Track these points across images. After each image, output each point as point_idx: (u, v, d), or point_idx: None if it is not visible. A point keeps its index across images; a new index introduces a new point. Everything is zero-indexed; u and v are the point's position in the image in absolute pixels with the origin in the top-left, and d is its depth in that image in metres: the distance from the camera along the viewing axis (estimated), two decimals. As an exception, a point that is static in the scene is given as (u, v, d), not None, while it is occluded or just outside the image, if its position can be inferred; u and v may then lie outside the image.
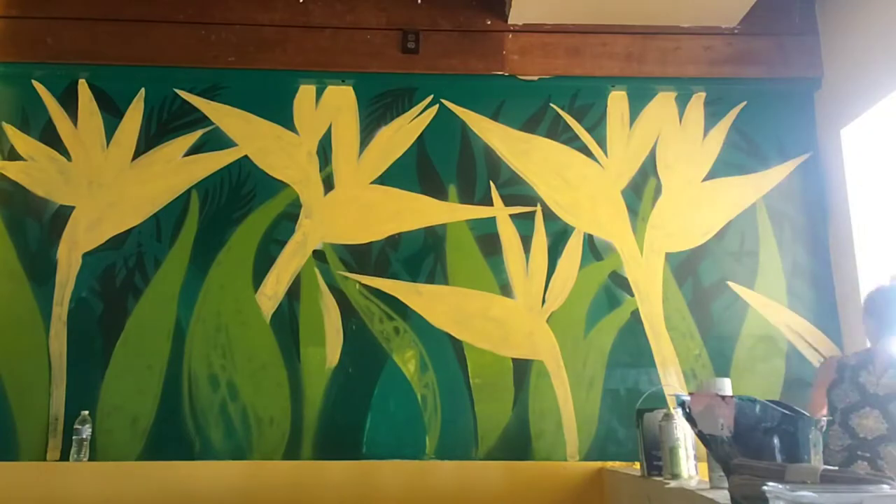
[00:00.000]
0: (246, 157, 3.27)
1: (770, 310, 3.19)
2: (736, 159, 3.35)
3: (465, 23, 3.40)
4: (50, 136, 3.24)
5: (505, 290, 3.17)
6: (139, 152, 3.25)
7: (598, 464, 2.95)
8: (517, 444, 3.03)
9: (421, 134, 3.32)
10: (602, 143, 3.35)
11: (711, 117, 3.39)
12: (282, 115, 3.31)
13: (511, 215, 3.25)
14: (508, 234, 3.23)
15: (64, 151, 3.23)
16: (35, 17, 3.31)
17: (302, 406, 3.03)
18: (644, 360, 3.12)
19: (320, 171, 3.27)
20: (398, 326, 3.12)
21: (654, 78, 3.39)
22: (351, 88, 3.36)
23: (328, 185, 3.26)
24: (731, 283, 3.21)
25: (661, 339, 3.14)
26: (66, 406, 2.97)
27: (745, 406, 1.64)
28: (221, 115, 3.30)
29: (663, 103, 3.40)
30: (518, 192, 3.28)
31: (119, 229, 3.16)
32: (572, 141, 3.34)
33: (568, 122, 3.36)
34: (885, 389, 2.36)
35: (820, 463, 1.62)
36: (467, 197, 3.27)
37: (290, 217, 3.21)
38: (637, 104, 3.39)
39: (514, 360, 3.11)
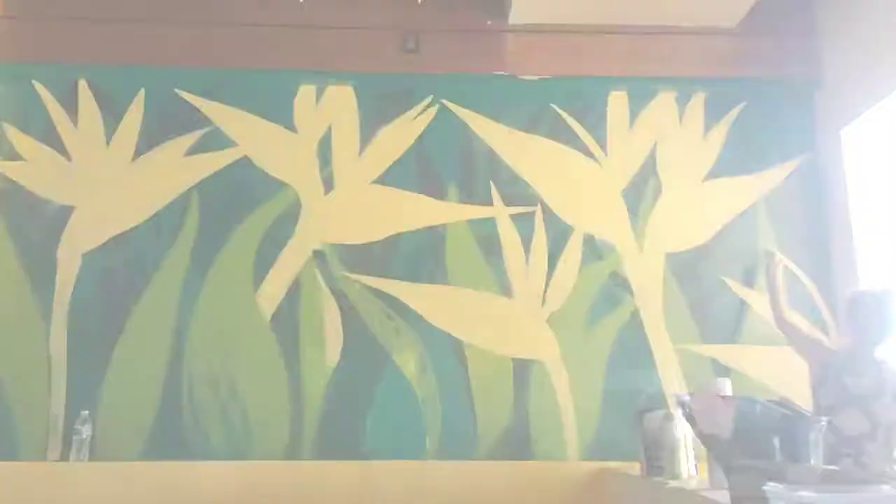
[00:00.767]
0: (246, 157, 3.26)
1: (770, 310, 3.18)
2: (736, 159, 3.34)
3: (465, 23, 3.40)
4: (50, 137, 3.23)
5: (505, 290, 3.17)
6: (139, 152, 3.25)
7: (598, 464, 2.95)
8: (517, 444, 3.03)
9: (421, 134, 3.31)
10: (602, 143, 3.34)
11: (711, 117, 3.39)
12: (282, 115, 3.31)
13: (511, 215, 3.25)
14: (508, 234, 3.23)
15: (64, 151, 3.23)
16: (35, 17, 3.31)
17: (302, 406, 3.02)
18: (644, 361, 3.12)
19: (320, 171, 3.27)
20: (398, 326, 3.12)
21: (654, 78, 3.39)
22: (351, 88, 3.35)
23: (328, 185, 3.26)
24: (731, 283, 3.22)
25: (662, 339, 3.14)
26: (66, 406, 2.97)
27: (745, 406, 1.64)
28: (221, 115, 3.30)
29: (663, 103, 3.40)
30: (518, 192, 3.27)
31: (119, 229, 3.16)
32: (572, 141, 3.34)
33: (568, 122, 3.35)
34: (867, 390, 2.47)
35: (820, 463, 1.62)
36: (467, 197, 3.26)
37: (290, 217, 3.21)
38: (637, 104, 3.39)
39: (514, 360, 3.10)
